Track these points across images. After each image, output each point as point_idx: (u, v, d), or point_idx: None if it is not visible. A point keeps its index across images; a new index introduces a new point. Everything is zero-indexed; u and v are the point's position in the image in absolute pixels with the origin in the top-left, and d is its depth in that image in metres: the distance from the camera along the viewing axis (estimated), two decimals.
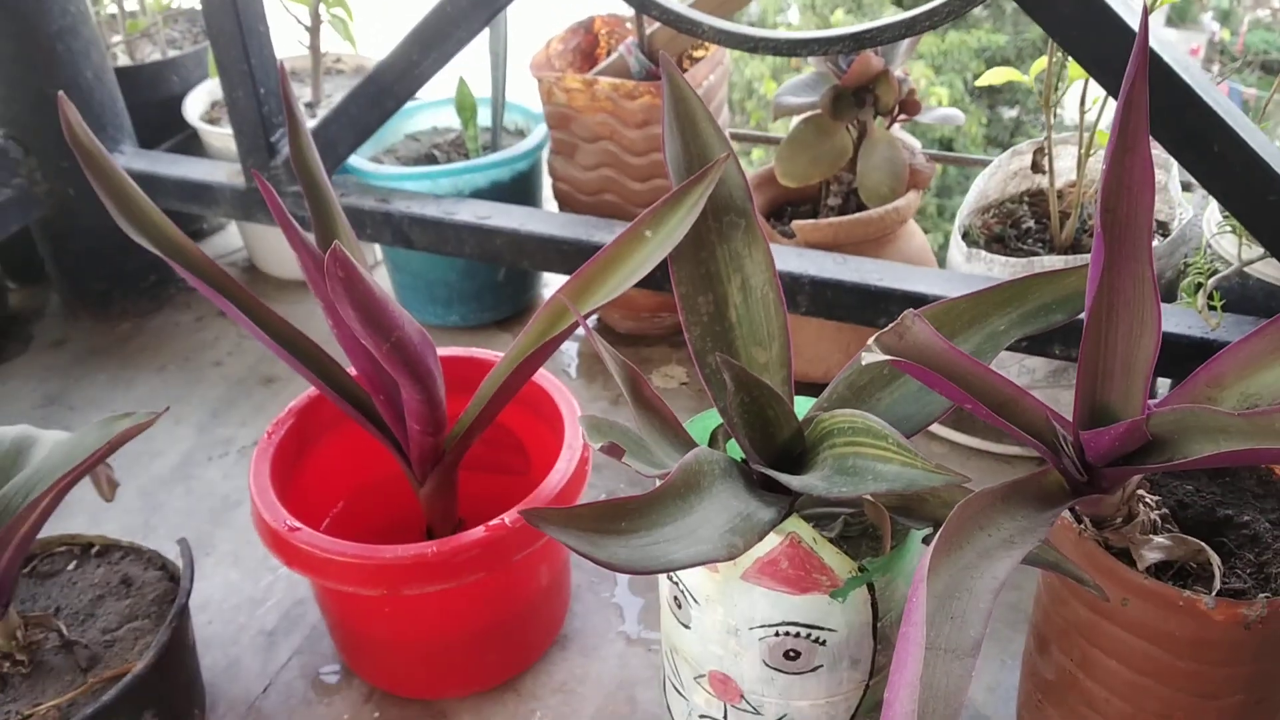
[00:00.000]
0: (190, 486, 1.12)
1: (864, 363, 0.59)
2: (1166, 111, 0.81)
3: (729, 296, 0.72)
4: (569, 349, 1.33)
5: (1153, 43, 0.80)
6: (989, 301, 0.67)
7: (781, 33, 0.93)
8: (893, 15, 0.89)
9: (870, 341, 0.59)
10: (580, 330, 1.37)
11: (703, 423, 0.78)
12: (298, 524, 0.79)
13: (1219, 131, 0.81)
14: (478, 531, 0.78)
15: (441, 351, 0.95)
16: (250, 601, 0.99)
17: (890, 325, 0.59)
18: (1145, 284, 0.55)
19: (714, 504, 0.60)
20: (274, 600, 0.99)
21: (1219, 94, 0.83)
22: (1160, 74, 0.80)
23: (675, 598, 0.71)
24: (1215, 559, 0.64)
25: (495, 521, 0.79)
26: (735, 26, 0.94)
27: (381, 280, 1.44)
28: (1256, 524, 0.69)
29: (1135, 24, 0.79)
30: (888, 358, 0.58)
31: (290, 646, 0.94)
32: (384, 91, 1.08)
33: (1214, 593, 0.62)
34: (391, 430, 0.85)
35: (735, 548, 0.58)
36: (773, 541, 0.64)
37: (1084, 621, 0.68)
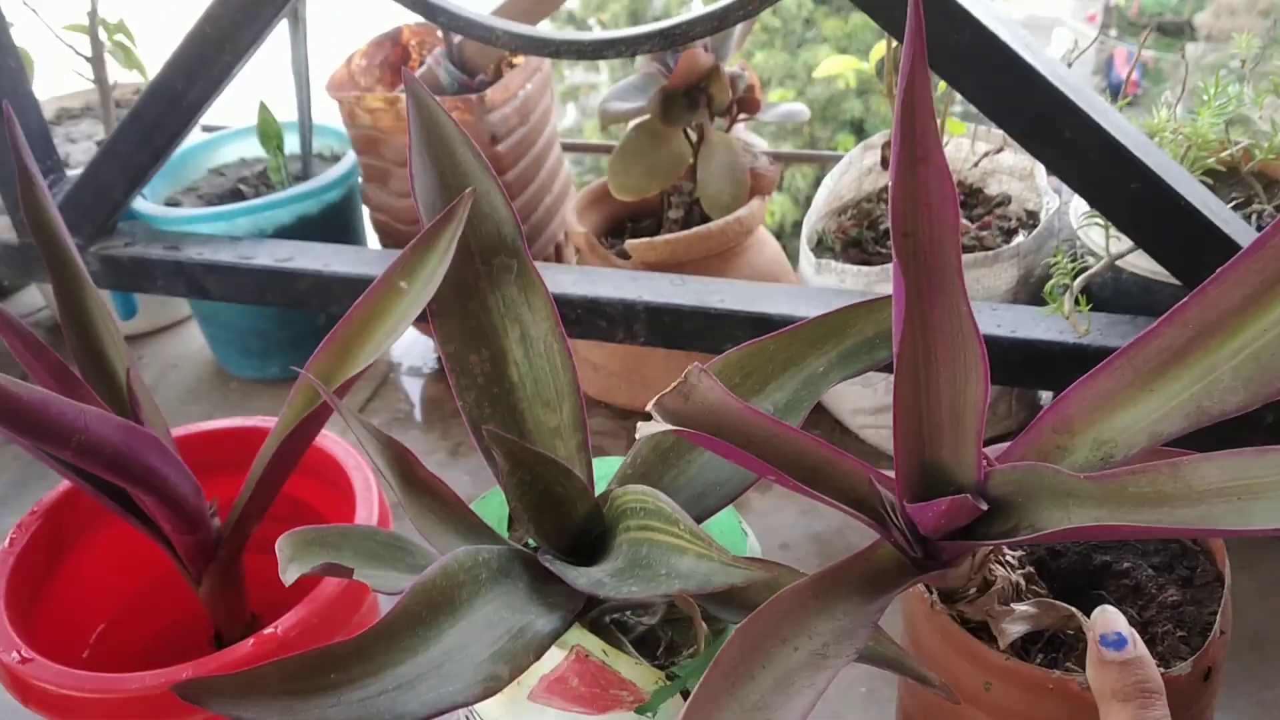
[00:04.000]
0: None
1: (640, 435, 0.48)
2: (1008, 97, 0.72)
3: (508, 352, 0.60)
4: (412, 390, 1.21)
5: (986, 19, 0.70)
6: (803, 340, 0.56)
7: (584, 35, 0.82)
8: (705, 8, 0.78)
9: (650, 405, 0.48)
10: (425, 369, 1.26)
11: (500, 496, 0.66)
12: (30, 654, 0.66)
13: (1068, 115, 0.71)
14: (244, 646, 0.65)
15: (210, 425, 0.83)
16: None
17: (673, 385, 0.48)
18: (962, 318, 0.44)
19: (477, 622, 0.49)
20: None
21: (1067, 74, 0.74)
22: (999, 57, 0.71)
23: (466, 717, 0.60)
24: (1088, 624, 0.54)
25: (268, 631, 0.67)
26: (532, 31, 0.82)
27: (194, 334, 1.30)
28: (1138, 571, 0.59)
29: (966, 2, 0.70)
30: (671, 427, 0.47)
31: None
32: (153, 127, 0.94)
33: None
34: (158, 523, 0.72)
35: (497, 680, 0.47)
36: (558, 656, 0.52)
37: (948, 708, 0.58)
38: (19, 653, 0.66)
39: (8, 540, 0.75)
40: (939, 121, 0.89)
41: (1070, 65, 0.83)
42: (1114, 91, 0.82)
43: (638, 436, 0.48)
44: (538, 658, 0.49)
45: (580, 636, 0.52)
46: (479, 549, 0.52)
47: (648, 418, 0.48)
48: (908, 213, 0.42)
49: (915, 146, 0.40)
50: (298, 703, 0.41)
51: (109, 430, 0.55)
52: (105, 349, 0.75)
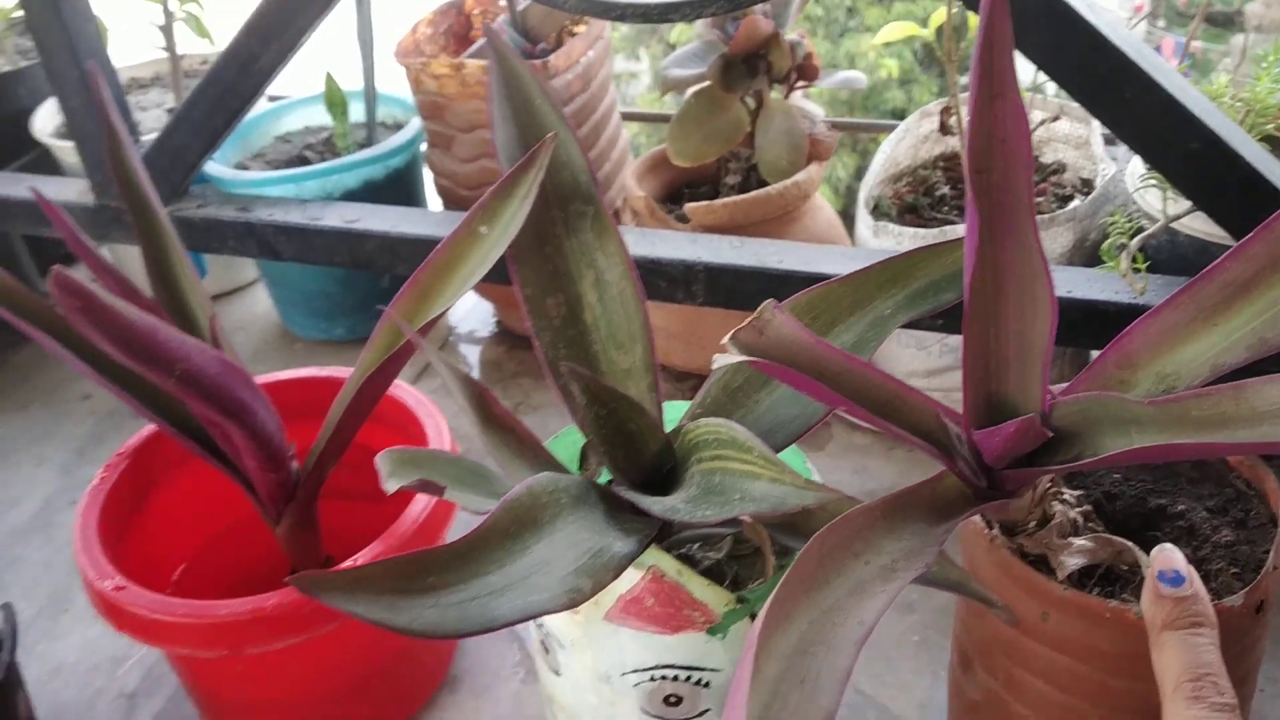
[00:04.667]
0: (50, 535, 1.02)
1: (715, 365, 0.50)
2: (1070, 56, 0.73)
3: (582, 296, 0.63)
4: (470, 354, 1.24)
5: None
6: (871, 282, 0.59)
7: None
8: None
9: (725, 339, 0.51)
10: (482, 333, 1.29)
11: (570, 438, 0.69)
12: (123, 581, 0.70)
13: (1130, 76, 0.73)
14: None
15: (287, 373, 0.86)
16: (110, 661, 0.89)
17: (748, 319, 0.51)
18: (1032, 254, 0.46)
19: (559, 541, 0.51)
20: (136, 658, 0.89)
21: (1129, 35, 0.75)
22: (1062, 16, 0.72)
23: (542, 642, 0.62)
24: (1144, 559, 0.56)
25: (346, 564, 0.70)
26: None
27: (260, 298, 1.34)
28: (1193, 513, 0.61)
29: None
30: (745, 358, 0.49)
31: (151, 710, 0.84)
32: (227, 91, 0.98)
33: None
34: (239, 466, 0.75)
35: (579, 593, 0.49)
36: (634, 577, 0.55)
37: (1005, 638, 0.60)
38: (113, 581, 0.70)
39: (97, 478, 0.79)
40: None
41: None
42: None
43: (713, 367, 0.51)
44: (616, 576, 0.51)
45: (657, 557, 0.54)
46: (559, 476, 0.54)
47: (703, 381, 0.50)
48: (982, 149, 0.44)
49: (993, 83, 0.42)
50: (400, 601, 0.44)
51: (208, 362, 0.58)
52: (188, 300, 0.78)
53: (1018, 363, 0.50)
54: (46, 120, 1.27)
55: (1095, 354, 1.00)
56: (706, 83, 1.01)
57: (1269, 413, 0.41)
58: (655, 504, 0.54)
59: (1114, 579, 0.57)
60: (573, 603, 0.48)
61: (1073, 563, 0.56)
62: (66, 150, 1.22)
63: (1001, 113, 0.43)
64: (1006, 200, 0.45)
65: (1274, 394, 0.41)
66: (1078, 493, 0.61)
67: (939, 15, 0.90)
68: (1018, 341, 0.49)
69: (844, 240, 1.08)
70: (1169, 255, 0.86)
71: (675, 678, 0.58)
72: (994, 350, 0.49)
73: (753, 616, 0.56)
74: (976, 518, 0.59)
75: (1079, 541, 0.56)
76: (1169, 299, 0.48)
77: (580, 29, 1.10)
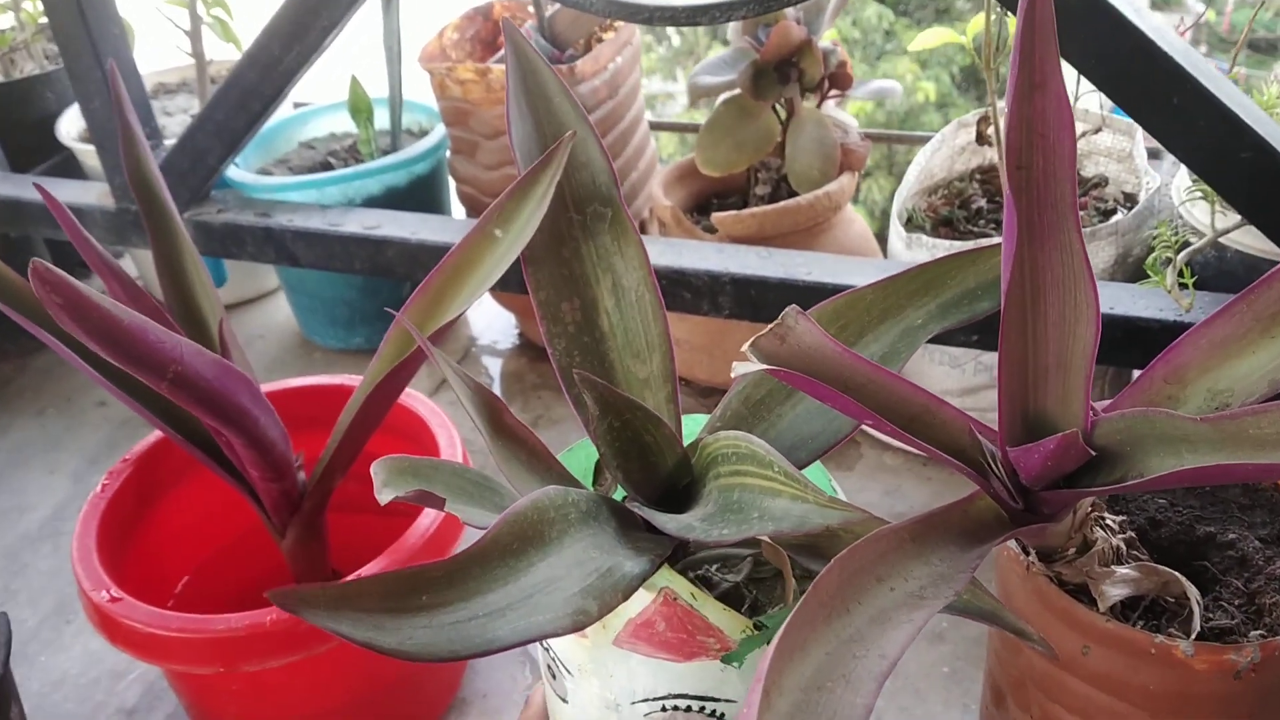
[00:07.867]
0: (59, 544, 1.00)
1: (735, 373, 0.47)
2: (1117, 62, 0.70)
3: (599, 301, 0.60)
4: (491, 365, 1.22)
5: None
6: (901, 291, 0.55)
7: (678, 1, 0.81)
8: None
9: (745, 347, 0.48)
10: (503, 344, 1.27)
11: (584, 451, 0.66)
12: (119, 592, 0.67)
13: (1178, 83, 0.69)
14: None
15: (297, 381, 0.84)
16: (111, 675, 0.87)
17: (769, 326, 0.48)
18: (1075, 256, 0.43)
19: (565, 558, 0.48)
20: (137, 673, 0.87)
21: (1177, 40, 0.71)
22: (1108, 20, 0.69)
23: (549, 666, 0.59)
24: (1193, 592, 0.52)
25: (350, 579, 0.67)
26: None
27: (280, 307, 1.32)
28: (1244, 543, 0.57)
29: None
30: (766, 367, 0.46)
31: None
32: (249, 94, 0.96)
33: (1193, 635, 0.51)
34: (244, 475, 0.73)
35: (586, 615, 0.46)
36: (646, 599, 0.52)
37: (1041, 673, 0.57)
38: (108, 592, 0.68)
39: (100, 485, 0.77)
40: None
41: None
42: None
43: (733, 376, 0.48)
44: (626, 597, 0.48)
45: (669, 579, 0.51)
46: (569, 490, 0.51)
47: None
48: (1022, 144, 0.41)
49: (1033, 73, 0.39)
50: (390, 620, 0.41)
51: (204, 365, 0.56)
52: (199, 302, 0.76)
53: (1058, 375, 0.46)
54: (71, 124, 1.26)
55: (1138, 374, 0.97)
56: (736, 90, 0.99)
57: None
58: (670, 521, 0.51)
59: (1159, 611, 0.54)
60: (578, 625, 0.45)
61: (1115, 593, 0.52)
62: (90, 154, 1.20)
63: (1042, 105, 0.40)
64: (1047, 199, 0.42)
65: None
66: (1120, 518, 0.57)
67: (977, 22, 0.87)
68: (1058, 352, 0.46)
69: (875, 253, 1.04)
70: (1216, 272, 0.82)
71: (688, 708, 0.54)
72: (1032, 361, 0.46)
73: None
74: (1012, 543, 0.56)
75: (1122, 570, 0.53)
76: (1223, 309, 0.44)
77: (608, 35, 1.08)
